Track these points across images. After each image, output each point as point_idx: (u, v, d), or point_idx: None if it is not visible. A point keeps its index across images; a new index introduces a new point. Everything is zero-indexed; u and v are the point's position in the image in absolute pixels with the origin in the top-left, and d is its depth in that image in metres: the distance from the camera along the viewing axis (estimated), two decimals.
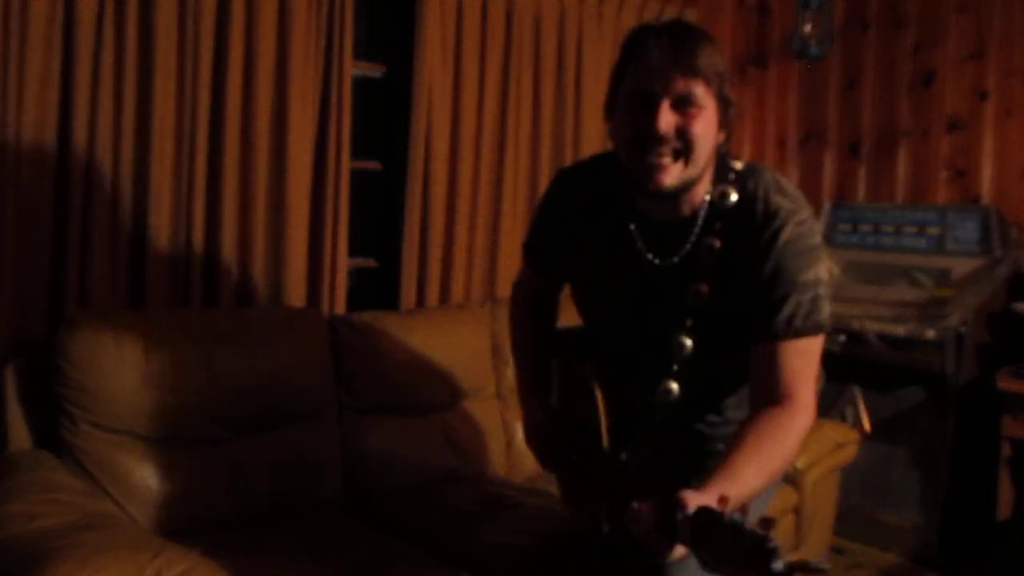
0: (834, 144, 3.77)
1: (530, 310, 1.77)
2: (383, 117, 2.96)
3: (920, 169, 3.52)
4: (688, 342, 1.42)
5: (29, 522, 1.61)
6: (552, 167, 3.13)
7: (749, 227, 1.37)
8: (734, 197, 1.40)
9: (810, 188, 3.74)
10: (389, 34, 2.91)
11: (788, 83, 3.90)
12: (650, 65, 1.32)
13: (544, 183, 3.09)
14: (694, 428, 1.54)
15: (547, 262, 1.69)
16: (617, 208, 1.49)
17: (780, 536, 2.54)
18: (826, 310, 1.37)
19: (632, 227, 1.46)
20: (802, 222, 1.37)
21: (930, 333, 2.89)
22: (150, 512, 2.00)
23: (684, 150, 1.32)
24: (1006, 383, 2.76)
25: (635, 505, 1.15)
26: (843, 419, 3.17)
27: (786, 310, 1.33)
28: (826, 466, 2.59)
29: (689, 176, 1.35)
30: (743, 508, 1.00)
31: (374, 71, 2.91)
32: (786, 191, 1.40)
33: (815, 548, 2.69)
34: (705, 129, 1.33)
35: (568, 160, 3.15)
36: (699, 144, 1.32)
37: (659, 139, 1.31)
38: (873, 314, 3.07)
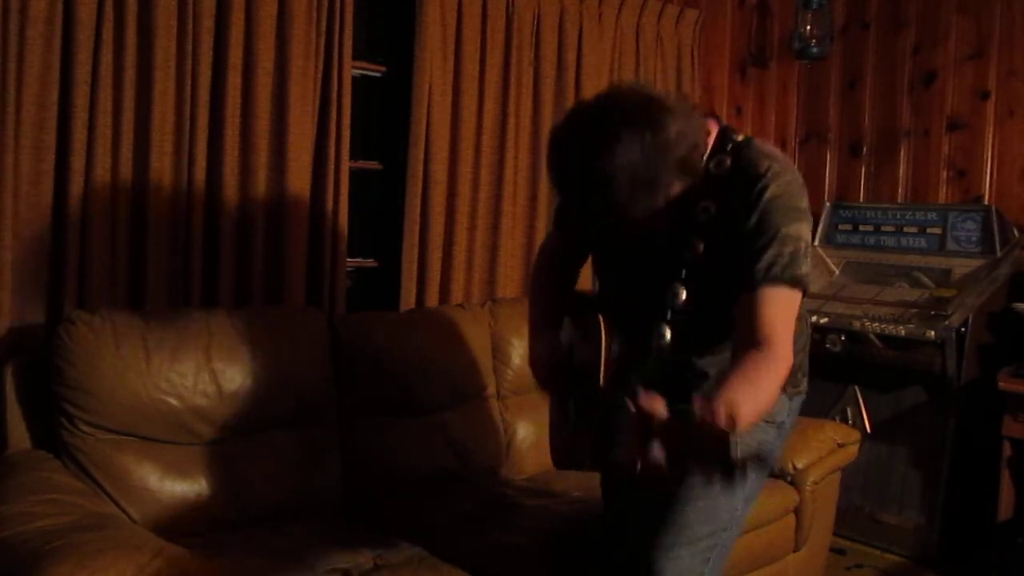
0: (834, 144, 3.77)
1: (551, 271, 1.88)
2: (383, 117, 2.96)
3: (920, 169, 3.51)
4: (682, 292, 1.53)
5: (29, 522, 1.61)
6: None
7: (740, 188, 1.47)
8: (728, 164, 1.50)
9: (811, 188, 3.66)
10: (389, 34, 2.91)
11: (788, 83, 3.90)
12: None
13: (544, 183, 3.09)
14: (681, 372, 1.62)
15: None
16: None
17: (780, 536, 2.55)
18: (805, 268, 1.45)
19: None
20: (788, 183, 1.47)
21: (931, 333, 2.89)
22: (150, 512, 2.00)
23: None
24: (1007, 383, 2.76)
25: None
26: (843, 419, 3.17)
27: (766, 258, 1.42)
28: (826, 466, 2.59)
29: None
30: (732, 419, 1.12)
31: (374, 71, 2.91)
32: (775, 157, 1.50)
33: (816, 548, 2.68)
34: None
35: None
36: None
37: None
38: (873, 314, 3.07)
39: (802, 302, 1.56)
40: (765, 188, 1.44)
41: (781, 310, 1.43)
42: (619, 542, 1.73)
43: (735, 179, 1.48)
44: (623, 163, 1.32)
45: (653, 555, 1.58)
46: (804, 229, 1.46)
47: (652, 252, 1.58)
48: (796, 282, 1.44)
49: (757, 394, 1.34)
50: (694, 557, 1.58)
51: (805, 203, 1.49)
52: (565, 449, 1.76)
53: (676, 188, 1.40)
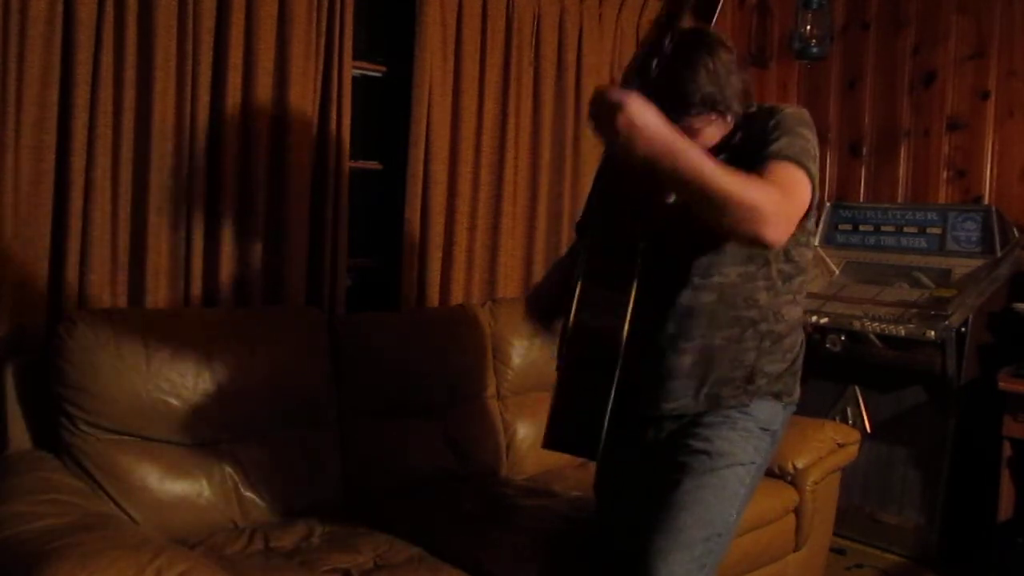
0: (834, 144, 3.77)
1: (563, 267, 1.89)
2: (383, 117, 2.96)
3: (920, 169, 3.51)
4: None
5: (29, 522, 1.61)
6: (552, 167, 3.12)
7: (761, 120, 1.61)
8: (754, 109, 1.67)
9: None
10: (389, 34, 2.91)
11: (788, 83, 3.90)
12: None
13: (544, 183, 3.10)
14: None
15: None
16: None
17: (780, 535, 2.54)
18: (814, 168, 1.53)
19: None
20: (805, 114, 1.62)
21: (931, 333, 2.89)
22: (149, 513, 2.00)
23: None
24: (1007, 383, 2.75)
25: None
26: (843, 419, 3.17)
27: (779, 143, 1.53)
28: (827, 466, 2.59)
29: None
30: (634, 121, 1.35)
31: (374, 71, 2.91)
32: (794, 106, 1.66)
33: (816, 548, 2.68)
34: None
35: (568, 160, 3.15)
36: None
37: None
38: (873, 314, 3.07)
39: (803, 283, 1.64)
40: (783, 111, 1.60)
41: (788, 175, 1.48)
42: (616, 544, 1.73)
43: (758, 116, 1.63)
44: (704, 51, 1.58)
45: (649, 560, 1.57)
46: (815, 143, 1.57)
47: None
48: (805, 169, 1.50)
49: (725, 175, 1.39)
50: (690, 563, 1.57)
51: (815, 133, 1.60)
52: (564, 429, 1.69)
53: (727, 115, 1.62)
